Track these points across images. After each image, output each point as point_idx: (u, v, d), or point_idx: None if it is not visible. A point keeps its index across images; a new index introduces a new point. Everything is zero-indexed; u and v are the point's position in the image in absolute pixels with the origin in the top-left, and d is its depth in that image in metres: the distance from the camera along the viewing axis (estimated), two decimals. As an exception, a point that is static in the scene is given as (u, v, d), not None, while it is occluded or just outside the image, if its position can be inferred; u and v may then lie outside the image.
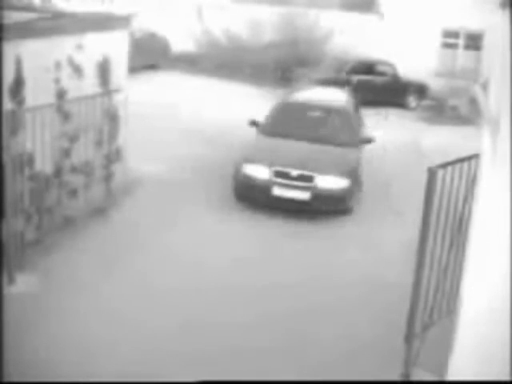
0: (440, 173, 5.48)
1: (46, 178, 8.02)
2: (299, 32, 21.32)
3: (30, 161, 7.67)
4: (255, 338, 6.45)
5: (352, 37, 20.36)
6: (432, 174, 5.41)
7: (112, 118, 9.23)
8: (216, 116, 15.46)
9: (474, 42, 20.51)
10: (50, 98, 8.01)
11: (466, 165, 5.75)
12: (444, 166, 5.58)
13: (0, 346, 4.71)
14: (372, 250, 8.78)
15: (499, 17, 4.65)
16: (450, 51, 21.02)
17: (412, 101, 19.68)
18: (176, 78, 20.23)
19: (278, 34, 21.57)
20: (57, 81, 8.20)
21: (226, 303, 7.06)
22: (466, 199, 5.81)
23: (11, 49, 7.05)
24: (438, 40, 20.96)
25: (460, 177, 5.76)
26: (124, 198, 9.73)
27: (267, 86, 19.92)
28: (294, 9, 21.24)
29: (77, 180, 8.62)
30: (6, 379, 4.92)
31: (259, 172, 9.80)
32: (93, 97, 8.53)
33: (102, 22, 9.22)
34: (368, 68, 19.56)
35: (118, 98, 9.26)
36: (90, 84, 8.78)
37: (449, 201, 5.85)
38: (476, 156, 5.59)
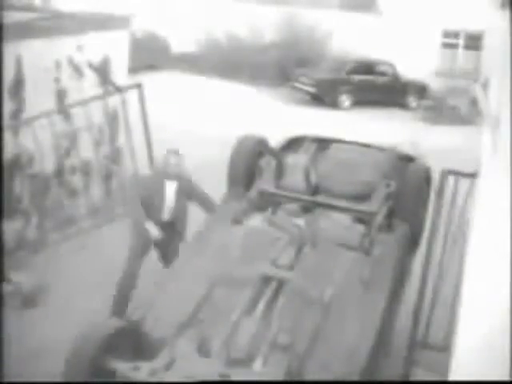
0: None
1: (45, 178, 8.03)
2: (299, 32, 21.33)
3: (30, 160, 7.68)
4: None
5: (352, 37, 20.37)
6: (444, 176, 5.40)
7: (112, 117, 9.22)
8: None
9: (473, 42, 20.53)
10: (50, 99, 8.01)
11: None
12: (456, 173, 5.54)
13: (0, 346, 4.71)
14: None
15: (499, 17, 4.65)
16: (449, 51, 21.05)
17: (412, 101, 19.68)
18: (176, 79, 20.25)
19: (278, 34, 21.58)
20: (57, 81, 8.20)
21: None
22: (467, 198, 5.81)
23: (11, 49, 7.05)
24: (438, 40, 20.99)
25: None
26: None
27: (267, 86, 19.92)
28: (294, 9, 21.25)
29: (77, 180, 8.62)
30: (6, 379, 4.92)
31: None
32: (93, 98, 8.53)
33: (102, 22, 9.23)
34: (368, 68, 19.55)
35: (117, 97, 9.24)
36: (90, 84, 8.78)
37: (452, 200, 5.84)
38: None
